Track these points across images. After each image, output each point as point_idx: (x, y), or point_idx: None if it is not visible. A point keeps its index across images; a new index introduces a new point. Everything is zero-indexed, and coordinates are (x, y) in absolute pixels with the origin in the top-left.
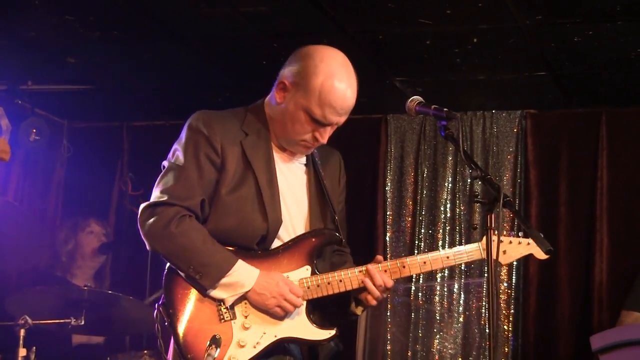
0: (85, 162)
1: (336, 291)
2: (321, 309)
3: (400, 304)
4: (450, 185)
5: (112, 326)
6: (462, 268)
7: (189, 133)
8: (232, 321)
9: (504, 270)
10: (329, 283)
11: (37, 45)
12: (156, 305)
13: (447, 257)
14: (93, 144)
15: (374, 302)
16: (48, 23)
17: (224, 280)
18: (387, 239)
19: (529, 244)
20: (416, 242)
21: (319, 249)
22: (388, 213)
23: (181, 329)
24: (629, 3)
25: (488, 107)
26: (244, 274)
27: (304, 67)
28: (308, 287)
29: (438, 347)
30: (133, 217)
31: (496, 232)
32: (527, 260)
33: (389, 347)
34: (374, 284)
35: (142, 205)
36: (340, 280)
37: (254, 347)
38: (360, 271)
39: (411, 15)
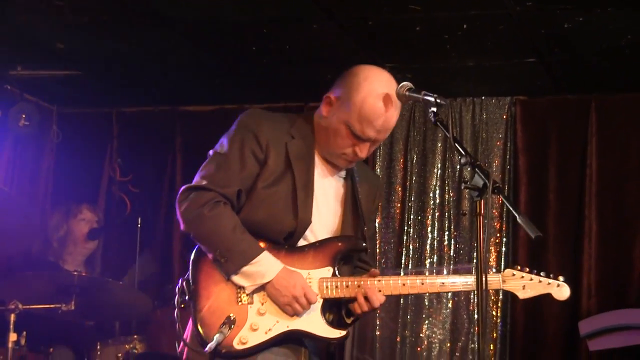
0: (75, 148)
1: (353, 295)
2: (336, 310)
3: None
4: (439, 171)
5: (102, 311)
6: (451, 254)
7: (239, 127)
8: (249, 305)
9: (493, 257)
10: (347, 286)
11: (26, 30)
12: (180, 279)
13: (468, 283)
14: (82, 130)
15: (358, 311)
16: (37, 8)
17: (246, 269)
18: (377, 225)
19: (549, 283)
20: (405, 228)
21: (343, 254)
22: None
23: (200, 304)
24: None
25: (478, 94)
26: (266, 266)
27: (349, 83)
28: (326, 287)
29: (427, 332)
30: (122, 202)
31: (525, 269)
32: (516, 246)
33: (378, 333)
34: (368, 299)
35: (182, 188)
36: (359, 286)
37: (266, 333)
38: (379, 281)
39: (401, 1)
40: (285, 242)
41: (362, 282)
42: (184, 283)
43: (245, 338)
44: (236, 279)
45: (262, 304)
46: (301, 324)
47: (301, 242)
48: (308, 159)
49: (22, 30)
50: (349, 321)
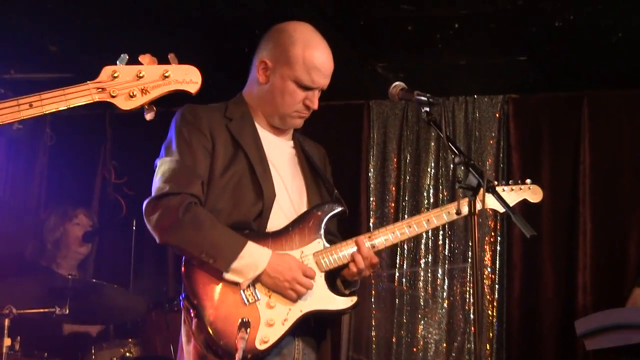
0: (68, 151)
1: (351, 260)
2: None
3: (384, 289)
4: (433, 170)
5: (97, 315)
6: (446, 253)
7: (178, 125)
8: (257, 302)
9: (488, 255)
10: (342, 252)
11: (18, 33)
12: (180, 298)
13: (450, 213)
14: (76, 132)
15: (355, 273)
16: (29, 11)
17: (235, 265)
18: (371, 224)
19: (521, 189)
20: None
21: (326, 222)
22: (371, 199)
23: (209, 317)
24: None
25: (470, 92)
26: (255, 256)
27: (281, 42)
28: (323, 260)
29: (423, 332)
30: (117, 204)
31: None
32: (510, 244)
33: (373, 333)
34: (361, 255)
35: (146, 201)
36: (353, 248)
37: (282, 324)
38: (369, 238)
39: (393, 0)
40: (254, 222)
41: (355, 244)
42: (185, 301)
43: (266, 336)
44: (229, 276)
45: (269, 297)
46: (312, 304)
47: (275, 218)
48: (252, 133)
49: (14, 33)
50: (347, 292)
